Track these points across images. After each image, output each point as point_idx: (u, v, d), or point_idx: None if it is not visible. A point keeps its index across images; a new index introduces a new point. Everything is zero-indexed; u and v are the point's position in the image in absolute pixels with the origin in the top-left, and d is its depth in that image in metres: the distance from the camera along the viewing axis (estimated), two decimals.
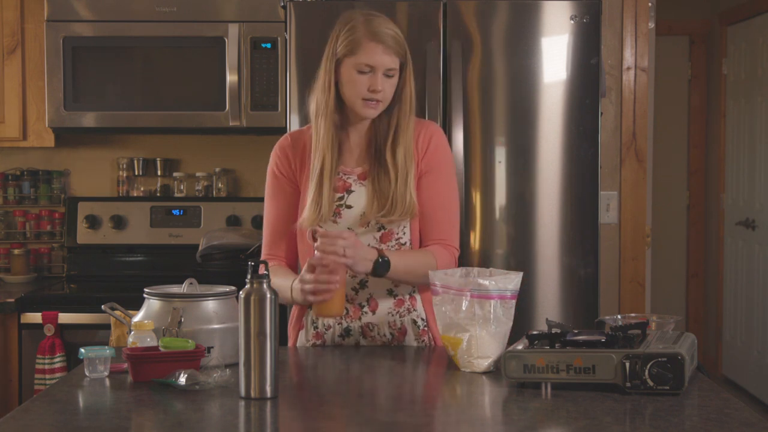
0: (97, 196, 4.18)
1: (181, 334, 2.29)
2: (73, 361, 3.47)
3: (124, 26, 3.77)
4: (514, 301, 2.31)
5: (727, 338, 6.42)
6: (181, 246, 4.06)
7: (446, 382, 2.26)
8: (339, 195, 2.56)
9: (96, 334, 3.51)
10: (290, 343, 2.67)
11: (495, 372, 2.26)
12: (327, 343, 2.61)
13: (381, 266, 2.44)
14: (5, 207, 4.20)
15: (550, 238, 3.36)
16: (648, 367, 2.01)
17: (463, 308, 2.27)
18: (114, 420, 1.92)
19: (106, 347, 2.23)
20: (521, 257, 3.35)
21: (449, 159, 2.63)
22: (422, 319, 2.61)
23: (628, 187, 3.98)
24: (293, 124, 3.33)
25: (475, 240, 3.35)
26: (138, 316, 2.39)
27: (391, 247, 2.55)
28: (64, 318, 3.52)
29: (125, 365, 2.22)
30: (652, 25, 4.11)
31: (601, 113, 3.47)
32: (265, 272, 2.07)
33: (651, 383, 2.02)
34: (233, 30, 3.75)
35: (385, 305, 2.59)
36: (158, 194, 4.19)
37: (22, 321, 3.56)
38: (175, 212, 4.09)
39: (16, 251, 4.08)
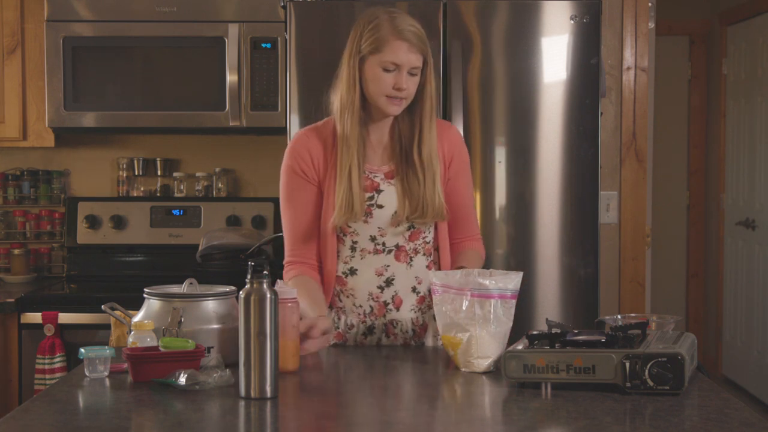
0: (97, 196, 4.18)
1: (181, 334, 2.29)
2: (73, 361, 3.47)
3: (124, 26, 3.77)
4: (514, 301, 2.31)
5: (727, 338, 6.42)
6: (181, 246, 4.06)
7: (446, 382, 2.26)
8: (369, 194, 2.56)
9: (96, 334, 3.51)
10: None
11: (495, 372, 2.26)
12: (349, 343, 2.61)
13: None
14: (5, 207, 4.20)
15: (550, 238, 3.36)
16: (648, 367, 2.01)
17: (463, 308, 2.27)
18: (114, 420, 1.92)
19: (106, 347, 2.23)
20: (521, 257, 3.35)
21: (468, 157, 2.70)
22: None
23: (628, 187, 3.98)
24: (293, 124, 3.33)
25: None
26: (138, 316, 2.38)
27: (418, 245, 2.59)
28: (64, 318, 3.52)
29: (125, 365, 2.22)
30: (652, 25, 4.11)
31: (601, 113, 3.47)
32: (266, 272, 2.06)
33: (651, 383, 2.02)
34: (233, 30, 3.75)
35: (408, 302, 2.61)
36: (158, 194, 4.19)
37: (22, 321, 3.56)
38: (175, 212, 4.09)
39: (16, 251, 4.08)
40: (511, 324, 2.31)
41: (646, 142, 4.00)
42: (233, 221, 4.07)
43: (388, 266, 2.58)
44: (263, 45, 3.76)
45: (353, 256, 2.58)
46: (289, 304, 2.27)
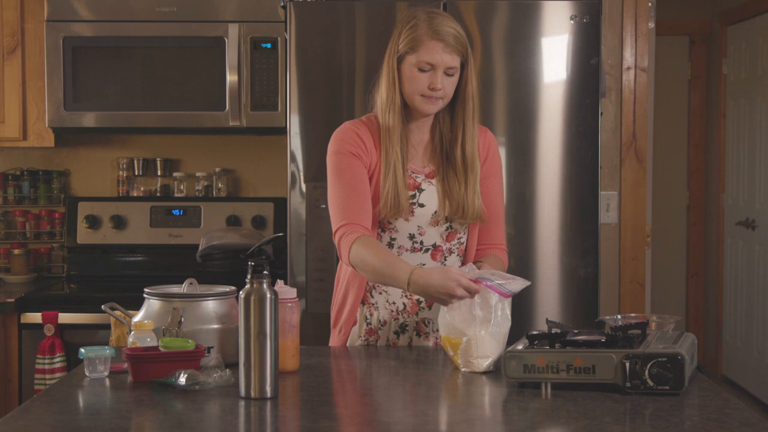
0: (97, 196, 4.18)
1: (181, 334, 2.29)
2: (73, 361, 3.47)
3: (124, 26, 3.77)
4: (510, 299, 2.32)
5: (727, 338, 6.42)
6: (181, 246, 4.06)
7: (446, 382, 2.26)
8: (411, 193, 2.56)
9: (96, 334, 3.51)
10: (333, 343, 2.66)
11: (495, 372, 2.26)
12: (381, 341, 2.60)
13: None
14: (5, 207, 4.20)
15: (550, 238, 3.36)
16: (648, 367, 2.01)
17: (464, 309, 2.28)
18: (114, 420, 1.92)
19: (106, 347, 2.23)
20: (521, 257, 3.35)
21: (501, 164, 2.71)
22: None
23: (628, 187, 3.98)
24: (293, 124, 3.33)
25: None
26: (138, 316, 2.38)
27: (453, 246, 2.60)
28: (64, 318, 3.52)
29: (125, 365, 2.22)
30: (652, 25, 4.11)
31: (601, 113, 3.47)
32: (266, 272, 2.06)
33: (651, 383, 2.02)
34: (233, 30, 3.75)
35: None
36: (158, 194, 4.19)
37: (22, 321, 3.56)
38: (175, 212, 4.09)
39: (16, 251, 4.08)
40: (509, 324, 2.31)
41: (646, 142, 4.00)
42: (233, 221, 4.07)
43: (423, 264, 2.57)
44: (263, 45, 3.76)
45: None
46: (289, 304, 2.27)
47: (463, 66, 2.54)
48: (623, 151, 3.98)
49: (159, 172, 4.19)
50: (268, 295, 2.04)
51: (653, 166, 4.86)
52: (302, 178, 3.33)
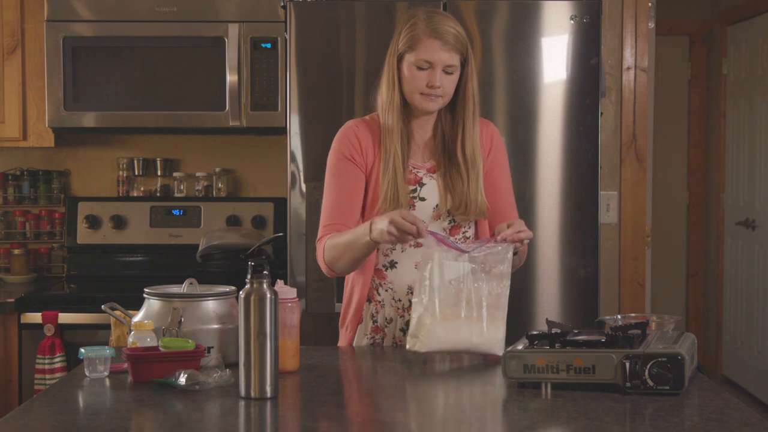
0: (97, 196, 4.18)
1: (181, 334, 2.29)
2: (73, 361, 3.47)
3: (124, 26, 3.77)
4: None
5: (727, 338, 6.42)
6: (181, 246, 4.06)
7: (446, 382, 2.26)
8: (412, 187, 2.57)
9: (96, 334, 3.51)
10: (342, 342, 2.66)
11: (495, 372, 2.26)
12: (387, 339, 2.60)
13: None
14: (5, 207, 4.20)
15: (550, 238, 3.36)
16: (648, 367, 2.01)
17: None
18: (114, 420, 1.92)
19: (106, 347, 2.23)
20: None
21: (506, 154, 2.72)
22: None
23: (628, 187, 3.98)
24: (293, 124, 3.33)
25: None
26: (138, 316, 2.38)
27: (458, 240, 2.59)
28: (64, 318, 3.52)
29: (125, 365, 2.22)
30: (652, 25, 4.10)
31: (601, 113, 3.47)
32: (266, 272, 2.06)
33: (651, 383, 2.02)
34: (233, 30, 3.75)
35: None
36: (158, 194, 4.19)
37: (22, 321, 3.56)
38: (175, 212, 4.09)
39: (16, 251, 4.08)
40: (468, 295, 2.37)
41: (646, 142, 4.00)
42: (233, 221, 4.07)
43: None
44: (263, 45, 3.76)
45: (393, 249, 2.58)
46: (289, 304, 2.27)
47: (464, 65, 2.55)
48: (623, 151, 3.98)
49: (159, 172, 4.19)
50: (268, 295, 2.04)
51: (653, 166, 4.86)
52: (302, 178, 3.33)
